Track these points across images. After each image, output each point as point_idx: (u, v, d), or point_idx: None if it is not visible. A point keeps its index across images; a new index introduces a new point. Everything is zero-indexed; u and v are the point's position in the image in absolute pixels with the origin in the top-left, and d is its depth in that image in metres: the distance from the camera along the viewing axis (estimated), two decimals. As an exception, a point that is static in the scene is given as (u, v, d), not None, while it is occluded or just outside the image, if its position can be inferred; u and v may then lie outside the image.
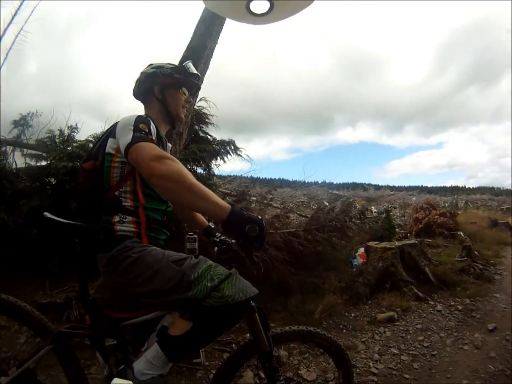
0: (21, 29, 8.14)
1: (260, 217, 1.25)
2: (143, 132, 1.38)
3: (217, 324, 1.36)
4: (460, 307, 4.14)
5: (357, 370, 2.77)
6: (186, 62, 1.76)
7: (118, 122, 1.50)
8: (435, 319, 3.80)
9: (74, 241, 1.46)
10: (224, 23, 3.89)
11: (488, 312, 4.08)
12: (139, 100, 1.78)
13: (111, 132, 1.51)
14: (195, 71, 1.77)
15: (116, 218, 1.48)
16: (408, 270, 4.63)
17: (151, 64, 1.74)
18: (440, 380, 2.69)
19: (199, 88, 1.91)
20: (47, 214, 1.46)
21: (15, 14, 8.04)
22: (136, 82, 1.74)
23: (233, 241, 1.68)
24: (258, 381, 2.53)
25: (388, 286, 4.30)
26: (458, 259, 5.84)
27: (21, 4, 8.05)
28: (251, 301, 1.44)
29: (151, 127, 1.47)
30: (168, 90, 1.69)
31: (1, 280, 3.85)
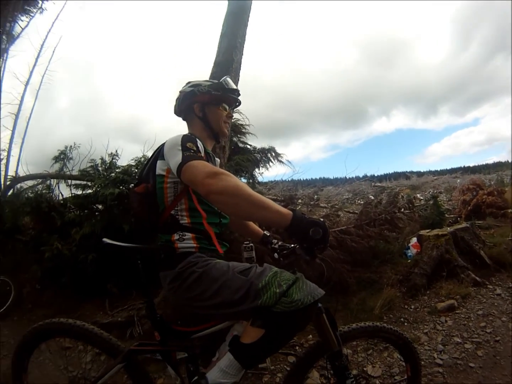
0: (46, 69, 8.69)
1: (322, 219, 1.25)
2: (192, 151, 1.40)
3: (288, 328, 1.37)
4: (520, 288, 3.94)
5: (422, 362, 2.70)
6: (224, 78, 1.78)
7: (164, 144, 1.53)
8: (495, 304, 3.64)
9: (136, 262, 1.51)
10: (245, 34, 3.91)
11: (550, 289, 3.87)
12: (181, 117, 1.81)
13: (159, 154, 1.55)
14: (233, 86, 1.77)
15: (176, 236, 1.51)
16: (463, 255, 4.45)
17: (189, 82, 1.76)
18: (505, 366, 2.59)
19: (240, 102, 1.86)
20: (106, 240, 1.52)
21: (38, 57, 8.58)
22: (176, 101, 1.77)
23: (292, 245, 1.71)
24: (324, 381, 2.53)
25: (445, 274, 4.14)
26: (512, 238, 5.56)
27: (42, 46, 8.57)
28: (319, 303, 1.45)
29: (198, 144, 1.49)
30: (208, 107, 1.71)
31: (61, 304, 4.08)
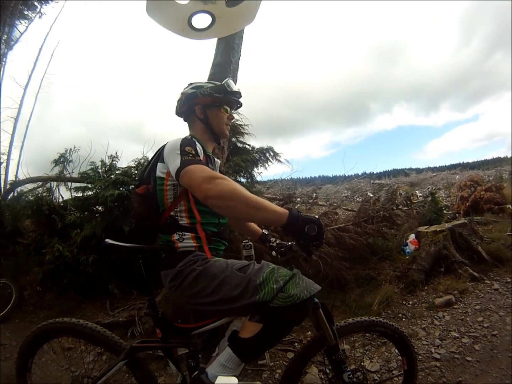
0: (45, 72, 8.78)
1: (317, 216, 1.29)
2: (190, 155, 1.43)
3: (285, 323, 1.41)
4: (517, 283, 3.95)
5: (420, 357, 2.74)
6: (226, 80, 1.78)
7: (164, 146, 1.56)
8: (493, 298, 3.67)
9: (138, 262, 1.55)
10: (243, 35, 3.93)
11: (546, 284, 3.89)
12: (182, 118, 1.83)
13: (159, 156, 1.58)
14: (235, 88, 1.78)
15: (176, 236, 1.55)
16: (461, 251, 4.47)
17: (191, 84, 1.78)
18: (502, 360, 2.63)
19: (241, 104, 1.88)
20: (109, 240, 1.54)
21: (36, 60, 8.67)
22: (178, 102, 1.79)
23: (290, 243, 1.75)
24: (322, 377, 2.57)
25: (443, 270, 4.18)
26: (510, 233, 5.56)
27: (40, 50, 8.64)
28: (315, 298, 1.48)
29: (197, 148, 1.52)
30: (210, 109, 1.72)
31: (62, 306, 4.12)
